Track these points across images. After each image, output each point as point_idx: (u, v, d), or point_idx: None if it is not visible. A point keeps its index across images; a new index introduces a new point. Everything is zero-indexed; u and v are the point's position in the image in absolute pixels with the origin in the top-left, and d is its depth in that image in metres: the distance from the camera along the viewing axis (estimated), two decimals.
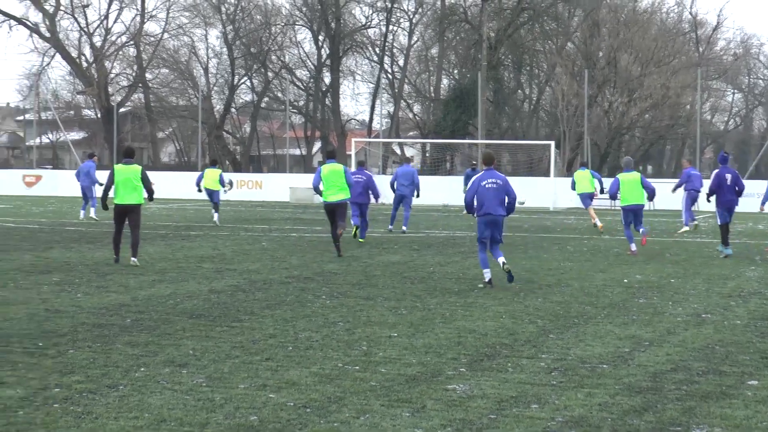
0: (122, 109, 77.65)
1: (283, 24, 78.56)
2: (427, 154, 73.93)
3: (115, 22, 79.14)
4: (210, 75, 79.69)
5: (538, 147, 57.80)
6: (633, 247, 22.64)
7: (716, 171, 22.64)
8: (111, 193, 19.53)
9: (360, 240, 25.06)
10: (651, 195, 22.92)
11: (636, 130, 68.93)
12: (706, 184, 25.71)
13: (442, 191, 48.84)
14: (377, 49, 77.88)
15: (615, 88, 63.72)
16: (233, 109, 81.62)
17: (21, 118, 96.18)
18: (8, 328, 11.71)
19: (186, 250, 22.38)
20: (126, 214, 19.42)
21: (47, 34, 74.49)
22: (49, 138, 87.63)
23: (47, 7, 74.52)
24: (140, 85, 78.69)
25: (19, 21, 74.61)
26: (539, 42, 73.38)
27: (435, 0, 75.88)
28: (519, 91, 77.13)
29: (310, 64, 79.39)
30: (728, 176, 22.15)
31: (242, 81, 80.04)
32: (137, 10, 77.32)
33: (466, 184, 40.00)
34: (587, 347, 11.03)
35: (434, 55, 77.75)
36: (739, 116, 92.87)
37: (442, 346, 10.93)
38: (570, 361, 10.27)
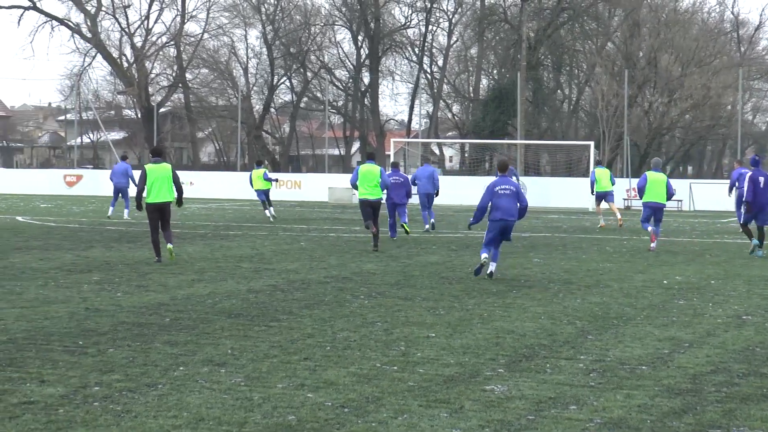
0: (162, 109, 78.13)
1: (322, 24, 78.77)
2: (466, 155, 73.87)
3: (155, 22, 79.56)
4: (249, 75, 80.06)
5: (577, 147, 57.57)
6: (653, 245, 23.53)
7: (749, 174, 22.81)
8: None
9: (393, 238, 25.57)
10: (670, 196, 24.13)
11: (676, 130, 68.51)
12: None
13: (480, 192, 48.63)
14: (416, 49, 77.89)
15: (655, 89, 63.36)
16: (272, 109, 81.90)
17: (62, 118, 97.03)
18: (49, 327, 11.80)
19: (225, 249, 22.46)
20: (160, 211, 19.75)
21: (89, 35, 75.07)
22: (89, 138, 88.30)
23: (89, 8, 75.10)
24: (180, 85, 79.12)
25: (61, 22, 75.23)
26: (579, 42, 73.12)
27: (474, 0, 75.77)
28: (558, 91, 76.89)
29: (349, 64, 79.56)
30: (761, 179, 22.46)
31: (281, 81, 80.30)
32: (178, 10, 77.83)
33: None
34: (626, 348, 10.96)
35: (473, 55, 77.65)
36: None
37: (480, 347, 10.91)
38: (609, 362, 10.21)
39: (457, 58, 79.53)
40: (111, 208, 34.25)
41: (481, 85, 77.56)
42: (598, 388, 9.04)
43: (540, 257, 21.48)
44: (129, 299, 14.21)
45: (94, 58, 77.07)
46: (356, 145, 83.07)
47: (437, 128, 79.99)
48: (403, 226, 26.11)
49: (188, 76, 79.50)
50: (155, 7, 77.84)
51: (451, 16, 77.81)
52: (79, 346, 10.62)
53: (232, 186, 54.24)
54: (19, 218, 33.20)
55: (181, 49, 77.64)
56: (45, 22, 75.08)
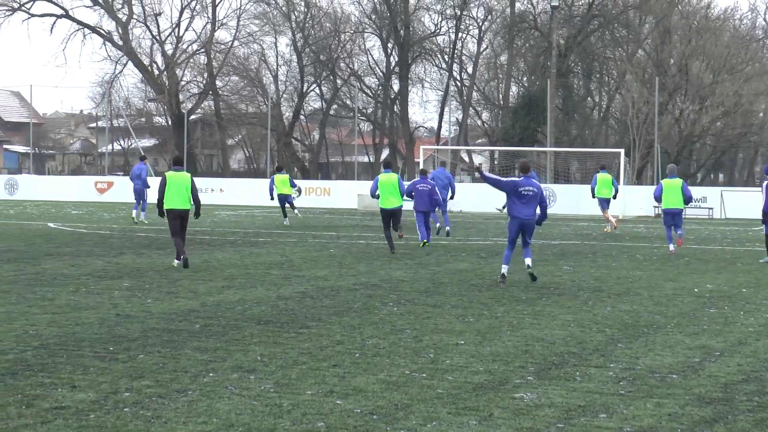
0: (192, 117, 78.47)
1: (352, 31, 78.90)
2: (496, 162, 73.74)
3: (186, 30, 79.93)
4: (279, 82, 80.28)
5: (607, 155, 57.34)
6: (672, 247, 24.51)
7: (765, 183, 22.78)
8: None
9: (425, 243, 25.40)
10: (687, 201, 24.72)
11: (707, 138, 68.12)
12: None
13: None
14: (446, 57, 77.87)
15: (686, 96, 63.06)
16: (302, 117, 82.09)
17: (94, 125, 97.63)
18: (80, 333, 11.87)
19: (254, 256, 22.52)
20: (179, 218, 20.14)
21: (120, 43, 75.50)
22: (120, 145, 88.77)
23: (120, 16, 75.55)
24: (210, 92, 79.43)
25: (93, 30, 75.70)
26: (609, 49, 72.91)
27: (504, 7, 75.72)
28: (588, 98, 76.67)
29: (378, 71, 79.64)
30: None
31: (311, 88, 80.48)
32: (208, 18, 78.14)
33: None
34: (656, 357, 10.92)
35: (503, 63, 77.56)
36: None
37: (509, 354, 10.89)
38: (639, 370, 10.17)
39: (486, 65, 79.46)
40: (134, 212, 35.00)
41: (510, 93, 77.46)
42: (628, 397, 9.00)
43: (570, 265, 21.42)
44: (159, 305, 14.27)
45: (125, 65, 77.56)
46: (385, 153, 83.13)
47: (467, 135, 79.91)
48: (423, 242, 25.41)
49: (218, 83, 79.82)
50: (186, 15, 78.28)
51: (481, 24, 77.79)
52: (110, 352, 10.68)
53: (262, 193, 54.27)
54: (51, 225, 33.41)
55: (212, 56, 77.94)
56: (77, 30, 75.58)
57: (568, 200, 48.13)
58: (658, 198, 24.98)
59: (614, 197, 34.29)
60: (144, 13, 76.81)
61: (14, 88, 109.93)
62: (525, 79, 77.03)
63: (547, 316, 13.75)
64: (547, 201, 18.37)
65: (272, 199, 36.00)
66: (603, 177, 33.93)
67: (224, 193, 55.69)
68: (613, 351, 11.25)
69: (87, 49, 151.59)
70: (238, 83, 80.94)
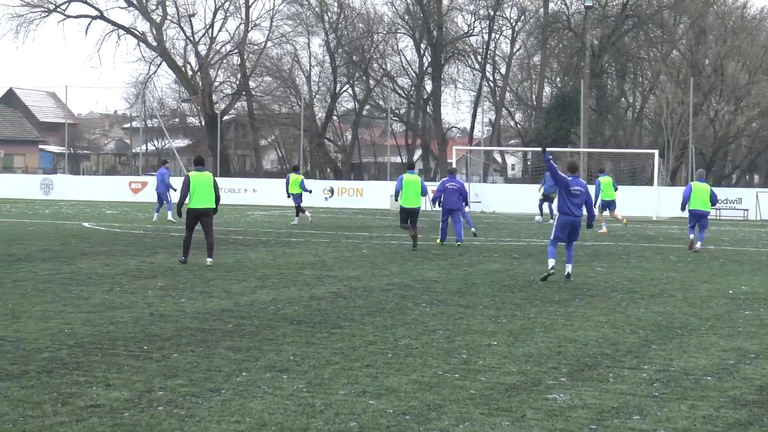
0: (226, 117, 78.68)
1: (385, 32, 78.89)
2: (528, 163, 73.56)
3: (219, 31, 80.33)
4: (312, 83, 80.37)
5: (641, 156, 57.14)
6: (698, 245, 25.53)
7: None
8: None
9: (442, 243, 26.49)
10: (714, 202, 26.02)
11: (742, 138, 67.68)
12: None
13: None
14: (479, 57, 77.74)
15: (721, 96, 62.68)
16: (335, 117, 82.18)
17: (128, 125, 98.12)
18: (114, 332, 11.94)
19: (287, 256, 22.58)
20: (200, 217, 20.55)
21: (154, 44, 75.85)
22: (154, 145, 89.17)
23: (155, 17, 75.91)
24: (243, 93, 79.66)
25: (128, 30, 76.09)
26: (644, 49, 72.57)
27: (538, 8, 75.52)
28: (622, 99, 76.32)
29: (411, 72, 79.60)
30: None
31: (344, 89, 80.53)
32: (242, 19, 78.33)
33: (542, 185, 41.07)
34: (690, 359, 10.86)
35: (536, 63, 77.34)
36: None
37: (542, 356, 10.86)
38: (673, 372, 10.12)
39: (519, 65, 79.28)
40: (156, 215, 36.38)
41: (543, 93, 77.21)
42: (661, 399, 8.96)
43: (603, 266, 21.34)
44: (193, 305, 14.33)
45: (159, 66, 77.87)
46: (418, 153, 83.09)
47: (499, 136, 79.74)
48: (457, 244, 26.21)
49: (251, 84, 80.00)
50: (219, 15, 78.50)
51: (514, 24, 77.62)
52: (144, 351, 10.73)
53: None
54: (86, 224, 33.63)
55: (245, 57, 78.15)
56: (111, 31, 75.99)
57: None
58: (686, 198, 25.69)
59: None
60: (178, 14, 77.18)
61: (50, 88, 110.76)
62: (558, 79, 76.81)
63: (580, 317, 13.71)
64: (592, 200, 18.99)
65: (288, 197, 36.90)
66: (605, 180, 34.45)
67: (257, 193, 55.84)
68: (646, 353, 11.21)
69: (121, 50, 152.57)
70: (271, 84, 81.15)
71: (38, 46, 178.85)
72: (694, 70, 63.02)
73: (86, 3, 75.37)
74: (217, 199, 20.77)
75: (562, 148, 61.91)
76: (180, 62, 77.59)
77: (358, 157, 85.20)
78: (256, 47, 79.13)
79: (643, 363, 10.58)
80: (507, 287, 17.24)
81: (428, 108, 78.25)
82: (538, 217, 40.00)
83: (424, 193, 25.79)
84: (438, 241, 26.96)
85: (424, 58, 77.66)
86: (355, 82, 79.76)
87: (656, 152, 50.25)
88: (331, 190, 51.45)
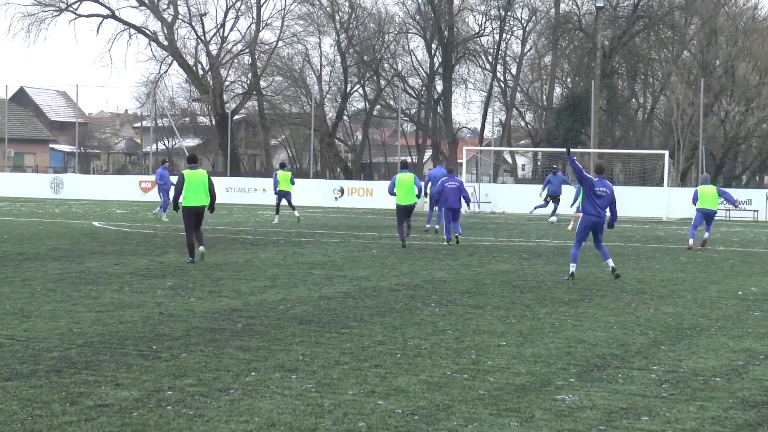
0: (236, 117, 78.73)
1: (396, 32, 78.87)
2: (539, 163, 73.47)
3: (231, 30, 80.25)
4: (323, 83, 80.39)
5: (651, 156, 57.02)
6: (691, 241, 26.53)
7: None
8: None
9: (449, 243, 26.60)
10: (731, 201, 28.92)
11: (753, 139, 67.50)
12: None
13: None
14: (490, 58, 77.69)
15: (732, 97, 62.52)
16: (345, 117, 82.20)
17: (138, 125, 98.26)
18: (124, 331, 11.96)
19: (297, 256, 22.59)
20: (195, 214, 20.92)
21: (165, 43, 75.92)
22: (165, 145, 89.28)
23: (166, 16, 75.98)
24: (254, 92, 79.71)
25: (139, 30, 76.17)
26: (654, 50, 72.42)
27: (549, 8, 75.43)
28: (633, 99, 76.19)
29: (422, 72, 79.56)
30: None
31: (355, 89, 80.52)
32: (253, 18, 78.34)
33: (544, 188, 41.87)
34: (700, 359, 10.85)
35: (547, 64, 77.26)
36: None
37: (551, 356, 10.86)
38: (682, 373, 10.11)
39: (530, 66, 79.20)
40: (162, 212, 37.01)
41: (554, 94, 77.12)
42: (670, 400, 8.95)
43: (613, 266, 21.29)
44: (202, 305, 14.35)
45: (170, 65, 77.93)
46: (429, 153, 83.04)
47: (510, 136, 79.67)
48: (456, 237, 26.76)
49: (262, 83, 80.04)
50: (231, 15, 78.54)
51: (525, 24, 77.52)
52: (153, 351, 10.75)
53: (305, 193, 54.53)
54: (96, 223, 33.69)
55: (256, 57, 78.18)
56: (123, 31, 76.07)
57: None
58: (695, 199, 27.33)
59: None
60: (189, 14, 77.24)
61: (61, 87, 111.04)
62: (569, 80, 76.72)
63: (589, 318, 13.70)
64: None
65: (276, 194, 36.95)
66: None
67: (267, 192, 55.83)
68: (655, 353, 11.20)
69: (132, 49, 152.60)
70: (282, 83, 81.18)
71: (49, 45, 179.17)
72: (704, 71, 62.89)
73: (98, 2, 75.50)
74: (213, 196, 21.15)
75: (572, 149, 61.79)
76: (191, 62, 77.67)
77: (368, 157, 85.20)
78: (267, 47, 79.17)
79: (652, 364, 10.57)
80: (516, 288, 17.23)
81: (439, 108, 78.22)
82: (552, 218, 39.99)
83: (418, 190, 26.61)
84: (444, 242, 26.93)
85: (435, 58, 77.61)
86: (366, 82, 79.74)
87: (666, 153, 50.12)
88: (342, 190, 51.57)
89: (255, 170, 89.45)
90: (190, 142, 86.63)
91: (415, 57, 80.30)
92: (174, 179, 35.89)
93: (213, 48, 78.51)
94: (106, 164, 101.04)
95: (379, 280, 18.07)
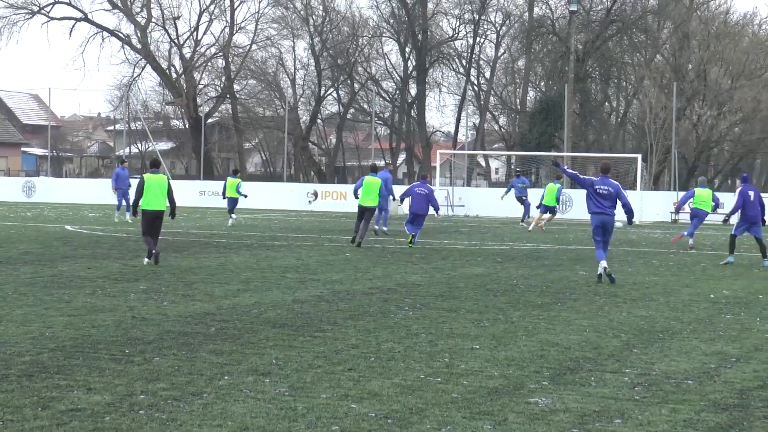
0: (210, 120, 78.62)
1: (370, 36, 78.96)
2: (512, 167, 73.67)
3: (204, 33, 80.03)
4: (297, 86, 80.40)
5: (624, 160, 57.20)
6: (691, 242, 28.04)
7: (739, 189, 25.22)
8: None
9: (411, 246, 26.84)
10: (716, 205, 29.16)
11: (725, 143, 67.93)
12: None
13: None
14: (464, 61, 77.88)
15: (704, 101, 62.93)
16: (319, 120, 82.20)
17: (111, 128, 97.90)
18: (96, 335, 11.90)
19: (270, 260, 22.55)
20: (153, 220, 21.17)
21: (138, 46, 75.73)
22: (138, 148, 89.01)
23: (139, 20, 75.79)
24: (228, 96, 79.61)
25: (112, 33, 75.97)
26: (627, 54, 72.83)
27: (522, 12, 75.70)
28: (606, 103, 76.58)
29: (396, 75, 79.70)
30: (751, 193, 24.71)
31: (328, 92, 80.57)
32: (226, 22, 78.32)
33: (508, 191, 43.31)
34: (672, 362, 10.89)
35: (521, 67, 77.55)
36: None
37: (524, 359, 10.88)
38: (654, 376, 10.15)
39: (504, 69, 79.44)
40: (127, 214, 37.07)
41: (528, 97, 77.42)
42: (643, 402, 8.99)
43: (586, 270, 21.39)
44: (175, 308, 14.30)
45: (143, 69, 77.76)
46: (402, 157, 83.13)
47: (484, 140, 79.88)
48: (411, 237, 27.17)
49: (236, 87, 79.99)
50: (204, 18, 78.45)
51: (498, 28, 77.80)
52: (126, 355, 10.71)
53: (278, 196, 54.51)
54: (68, 227, 33.53)
55: (230, 60, 78.10)
56: (96, 34, 75.85)
57: (584, 205, 47.93)
58: (687, 197, 28.81)
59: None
60: (162, 17, 77.09)
61: (33, 90, 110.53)
62: (542, 83, 77.00)
63: (562, 321, 13.73)
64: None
65: (224, 198, 37.76)
66: (553, 187, 36.64)
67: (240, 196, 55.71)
68: (628, 356, 11.24)
69: (105, 53, 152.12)
70: (256, 87, 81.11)
71: (21, 48, 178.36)
72: (677, 75, 63.26)
73: (70, 5, 75.27)
74: (172, 202, 21.32)
75: (545, 153, 62.02)
76: (164, 65, 77.50)
77: (342, 161, 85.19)
78: (240, 50, 79.13)
79: (624, 367, 10.61)
80: (490, 291, 17.26)
81: (412, 112, 78.35)
82: (528, 220, 40.21)
83: (383, 195, 28.23)
84: (409, 244, 27.01)
85: (409, 61, 77.75)
86: (340, 86, 79.80)
87: (639, 156, 50.36)
88: (315, 194, 51.54)
89: (228, 173, 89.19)
90: (164, 145, 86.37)
91: (389, 60, 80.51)
92: (134, 182, 35.96)
93: (186, 51, 78.41)
94: (78, 168, 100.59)
95: (352, 283, 18.06)
